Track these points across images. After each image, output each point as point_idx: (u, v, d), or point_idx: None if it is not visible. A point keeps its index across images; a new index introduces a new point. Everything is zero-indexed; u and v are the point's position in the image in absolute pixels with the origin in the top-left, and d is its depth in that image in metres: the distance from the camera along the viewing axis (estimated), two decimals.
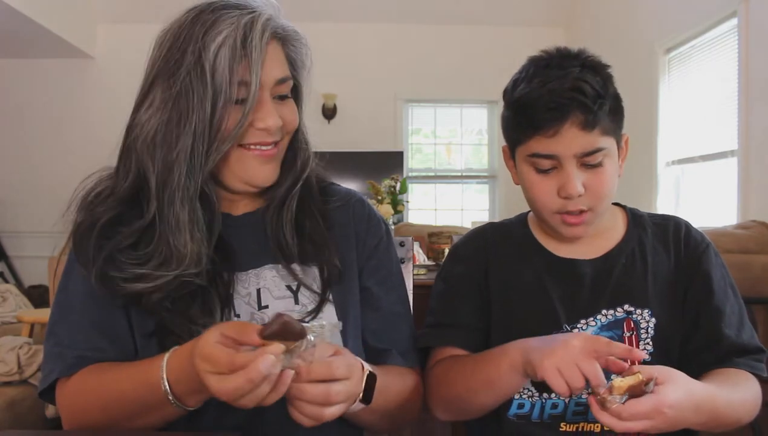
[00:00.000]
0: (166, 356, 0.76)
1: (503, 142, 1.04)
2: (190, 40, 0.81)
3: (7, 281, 4.99)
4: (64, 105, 5.38)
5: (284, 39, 0.89)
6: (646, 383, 0.78)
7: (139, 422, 0.80)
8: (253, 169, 0.87)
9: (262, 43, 0.82)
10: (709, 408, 0.84)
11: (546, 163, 0.95)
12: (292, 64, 0.91)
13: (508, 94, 1.00)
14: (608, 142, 0.95)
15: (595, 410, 0.78)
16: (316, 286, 0.92)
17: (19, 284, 4.99)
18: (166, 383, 0.75)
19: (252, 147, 0.86)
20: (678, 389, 0.79)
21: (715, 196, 3.55)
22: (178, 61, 0.81)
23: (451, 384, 0.95)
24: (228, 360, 0.66)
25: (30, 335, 3.13)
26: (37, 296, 4.35)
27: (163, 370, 0.75)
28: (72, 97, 5.39)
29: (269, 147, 0.87)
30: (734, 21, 3.29)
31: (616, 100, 0.96)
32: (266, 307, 0.91)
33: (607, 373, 0.81)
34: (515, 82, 0.99)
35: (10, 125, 5.35)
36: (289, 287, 0.92)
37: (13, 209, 5.29)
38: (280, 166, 0.91)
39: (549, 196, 0.96)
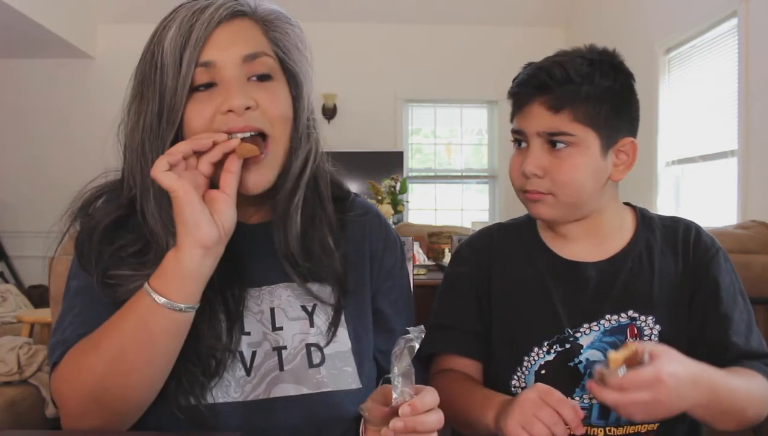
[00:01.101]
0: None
1: (509, 145, 1.06)
2: (150, 41, 0.81)
3: (7, 281, 4.99)
4: (64, 105, 5.38)
5: (263, 20, 0.83)
6: (641, 356, 0.79)
7: (130, 350, 0.74)
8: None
9: (209, 23, 0.77)
10: (706, 382, 0.83)
11: (518, 138, 0.99)
12: (279, 46, 0.84)
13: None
14: (581, 131, 0.94)
15: (596, 389, 0.78)
16: (331, 307, 0.89)
17: (19, 284, 4.98)
18: (147, 284, 0.75)
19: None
20: (673, 360, 0.80)
21: (715, 196, 3.55)
22: (139, 63, 0.82)
23: (443, 409, 0.95)
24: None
25: (30, 335, 3.14)
26: (37, 296, 4.34)
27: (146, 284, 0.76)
28: (72, 98, 5.38)
29: (247, 134, 0.78)
30: (734, 21, 3.29)
31: (609, 93, 0.95)
32: (281, 328, 0.87)
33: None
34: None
35: (10, 125, 5.35)
36: (304, 308, 0.88)
37: (13, 209, 5.29)
38: (273, 170, 0.82)
39: (516, 173, 0.99)
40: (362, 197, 1.00)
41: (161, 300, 0.73)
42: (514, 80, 1.01)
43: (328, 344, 0.87)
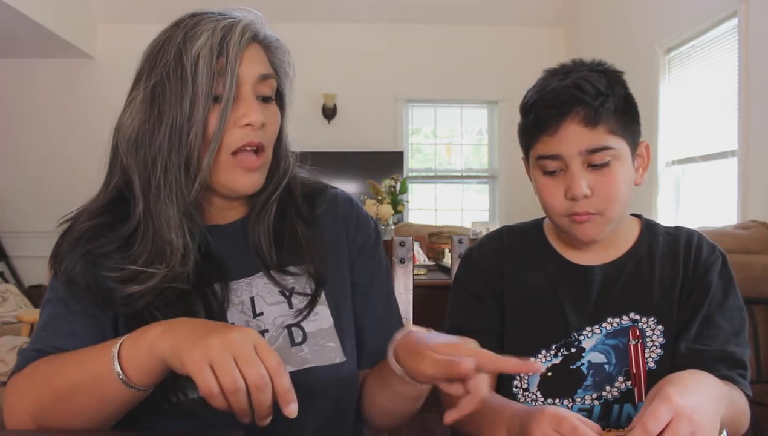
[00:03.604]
0: (124, 338, 0.75)
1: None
2: (170, 44, 0.84)
3: (7, 281, 4.99)
4: (64, 105, 5.38)
5: (266, 45, 0.90)
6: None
7: (80, 397, 0.76)
8: (237, 176, 0.87)
9: (241, 41, 0.84)
10: (711, 382, 0.79)
11: (552, 165, 0.95)
12: (277, 71, 0.92)
13: (521, 104, 1.01)
14: (617, 143, 0.94)
15: None
16: (309, 288, 0.93)
17: (19, 284, 4.99)
18: (118, 345, 0.74)
19: (240, 153, 0.86)
20: (670, 386, 0.73)
21: (715, 196, 3.55)
22: (158, 63, 0.84)
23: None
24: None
25: (30, 335, 3.14)
26: (37, 296, 4.35)
27: (121, 339, 0.74)
28: (72, 97, 5.39)
29: (253, 155, 0.87)
30: (734, 21, 3.29)
31: (626, 102, 0.96)
32: (261, 314, 0.91)
33: None
34: (527, 91, 1.01)
35: (10, 125, 5.35)
36: (282, 293, 0.92)
37: (13, 209, 5.30)
38: (264, 175, 0.91)
39: (557, 199, 0.96)
40: (336, 188, 1.04)
41: (121, 376, 0.73)
42: (529, 105, 0.98)
43: (301, 321, 0.91)
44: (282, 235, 0.94)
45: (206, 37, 0.82)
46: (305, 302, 0.92)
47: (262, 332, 0.90)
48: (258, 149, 0.87)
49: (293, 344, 0.90)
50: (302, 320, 0.91)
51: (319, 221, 0.98)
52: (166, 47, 0.84)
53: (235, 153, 0.86)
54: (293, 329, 0.91)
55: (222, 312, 0.89)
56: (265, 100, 0.89)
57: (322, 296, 0.94)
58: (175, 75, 0.82)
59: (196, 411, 0.81)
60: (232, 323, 0.89)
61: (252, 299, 0.92)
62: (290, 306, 0.92)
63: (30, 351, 0.83)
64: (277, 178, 0.94)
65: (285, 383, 0.67)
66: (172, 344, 0.70)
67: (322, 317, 0.93)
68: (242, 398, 0.66)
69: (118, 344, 0.74)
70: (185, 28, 0.84)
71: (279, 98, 0.94)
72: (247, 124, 0.85)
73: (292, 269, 0.93)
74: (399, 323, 1.01)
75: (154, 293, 0.84)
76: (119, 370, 0.73)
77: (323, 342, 0.91)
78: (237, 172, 0.87)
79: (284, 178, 0.95)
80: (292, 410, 0.67)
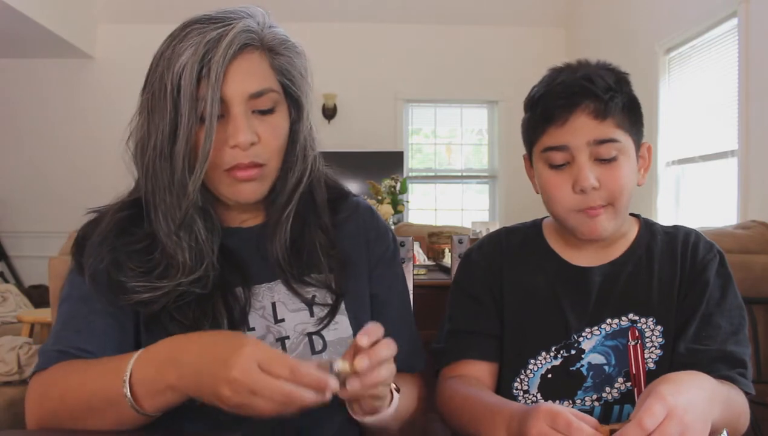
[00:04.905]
0: (138, 353, 0.74)
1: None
2: (161, 59, 0.83)
3: (7, 281, 4.99)
4: (63, 105, 5.38)
5: (270, 48, 0.86)
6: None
7: (94, 419, 0.76)
8: (234, 187, 0.86)
9: (225, 58, 0.80)
10: (706, 383, 0.78)
11: (559, 157, 0.95)
12: (284, 74, 0.88)
13: (526, 99, 1.01)
14: (623, 138, 0.94)
15: None
16: (330, 298, 0.93)
17: (19, 284, 4.98)
18: (128, 373, 0.73)
19: (232, 171, 0.84)
20: (665, 385, 0.72)
21: (715, 196, 3.55)
22: (150, 78, 0.84)
23: (450, 417, 0.96)
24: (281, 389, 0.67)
25: (30, 335, 3.14)
26: (37, 296, 4.34)
27: (130, 364, 0.73)
28: (72, 98, 5.39)
29: (246, 170, 0.85)
30: (734, 21, 3.29)
31: (632, 100, 0.97)
32: (282, 320, 0.91)
33: None
34: (533, 87, 1.01)
35: (10, 125, 5.35)
36: (303, 300, 0.92)
37: (13, 209, 5.29)
38: (267, 184, 0.89)
39: (564, 193, 0.95)
40: (357, 195, 1.04)
41: (132, 404, 0.72)
42: (537, 97, 0.98)
43: (321, 329, 0.91)
44: (301, 247, 0.93)
45: (189, 55, 0.80)
46: (326, 311, 0.92)
47: (283, 339, 0.90)
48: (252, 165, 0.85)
49: (314, 352, 0.90)
50: (323, 328, 0.91)
51: (340, 229, 0.97)
52: (157, 61, 0.83)
53: (227, 169, 0.85)
54: (314, 337, 0.91)
55: (244, 316, 0.89)
56: (263, 112, 0.86)
57: (342, 306, 0.93)
58: (160, 94, 0.81)
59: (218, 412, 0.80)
60: (253, 329, 0.89)
61: (273, 305, 0.91)
62: (311, 314, 0.92)
63: (51, 351, 0.83)
64: (291, 185, 0.92)
65: (311, 377, 0.67)
66: (186, 388, 0.71)
67: (342, 327, 0.93)
68: (287, 409, 0.67)
69: (128, 371, 0.73)
70: (174, 41, 0.82)
71: (292, 100, 0.91)
72: (235, 145, 0.83)
73: (311, 278, 0.92)
74: (413, 335, 1.02)
75: (168, 297, 0.84)
76: (130, 396, 0.72)
77: (342, 351, 0.90)
78: (234, 183, 0.86)
79: (300, 185, 0.92)
80: (331, 387, 0.68)
